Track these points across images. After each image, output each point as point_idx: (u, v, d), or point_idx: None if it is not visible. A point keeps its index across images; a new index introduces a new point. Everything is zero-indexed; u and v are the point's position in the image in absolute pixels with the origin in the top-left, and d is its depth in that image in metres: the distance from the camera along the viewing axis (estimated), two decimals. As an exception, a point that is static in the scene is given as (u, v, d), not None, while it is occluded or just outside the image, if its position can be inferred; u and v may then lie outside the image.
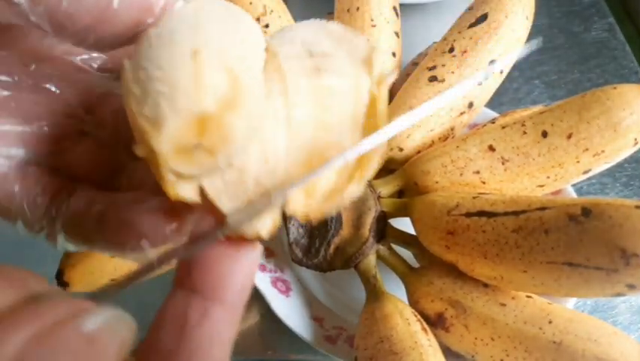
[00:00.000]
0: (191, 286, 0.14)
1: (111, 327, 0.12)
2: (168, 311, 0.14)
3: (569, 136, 0.30)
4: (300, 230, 0.33)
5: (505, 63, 0.33)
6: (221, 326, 0.14)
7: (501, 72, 0.35)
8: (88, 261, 0.29)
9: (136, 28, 0.14)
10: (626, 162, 0.46)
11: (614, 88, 0.30)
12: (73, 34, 0.14)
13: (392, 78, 0.15)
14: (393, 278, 0.33)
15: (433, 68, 0.35)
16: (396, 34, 0.39)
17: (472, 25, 0.35)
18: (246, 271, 0.15)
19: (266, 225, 0.14)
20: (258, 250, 0.15)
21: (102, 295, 0.14)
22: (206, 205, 0.14)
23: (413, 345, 0.28)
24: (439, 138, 0.35)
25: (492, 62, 0.34)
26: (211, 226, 0.15)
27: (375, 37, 0.37)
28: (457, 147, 0.32)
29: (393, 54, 0.38)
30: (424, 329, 0.29)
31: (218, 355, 0.14)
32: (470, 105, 0.35)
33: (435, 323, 0.30)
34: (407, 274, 0.32)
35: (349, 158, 0.15)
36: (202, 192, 0.14)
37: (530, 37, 0.36)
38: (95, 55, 0.18)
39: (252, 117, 0.14)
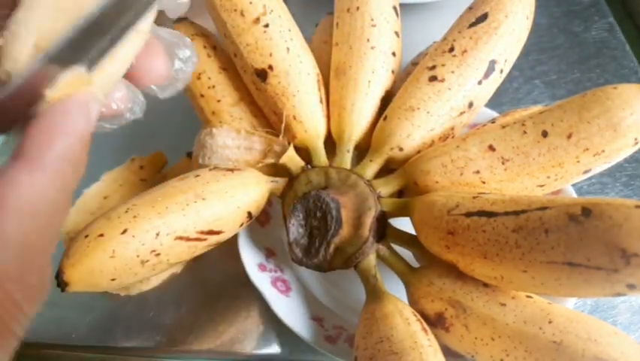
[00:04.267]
0: (18, 156, 0.16)
1: None
2: None
3: (569, 136, 0.30)
4: (300, 230, 0.33)
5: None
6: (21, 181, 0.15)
7: (501, 72, 0.35)
8: (88, 261, 0.29)
9: None
10: (627, 162, 0.46)
11: (615, 88, 0.30)
12: None
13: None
14: (394, 278, 0.33)
15: (433, 67, 0.35)
16: (396, 33, 0.39)
17: (472, 25, 0.35)
18: (68, 134, 0.16)
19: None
20: (73, 107, 0.17)
21: None
22: None
23: (413, 345, 0.28)
24: (439, 138, 0.35)
25: (492, 61, 0.34)
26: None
27: (375, 36, 0.37)
28: (457, 146, 0.32)
29: (393, 54, 0.38)
30: (424, 329, 0.29)
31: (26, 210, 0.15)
32: (470, 105, 0.35)
33: (435, 322, 0.30)
34: (407, 274, 0.32)
35: None
36: None
37: (530, 37, 0.36)
38: None
39: None
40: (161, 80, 0.21)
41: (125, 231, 0.29)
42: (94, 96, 0.18)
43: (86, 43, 0.17)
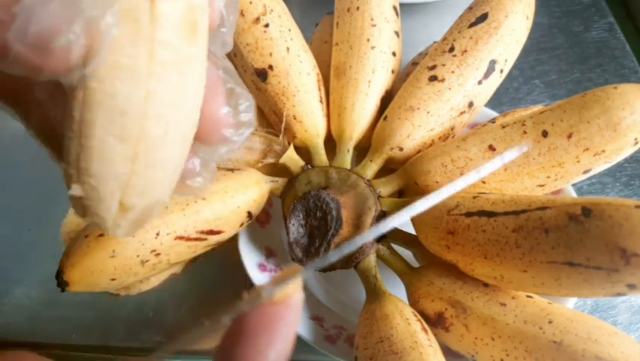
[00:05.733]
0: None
1: None
2: None
3: (570, 136, 0.30)
4: (300, 230, 0.33)
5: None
6: None
7: (501, 72, 0.35)
8: (88, 261, 0.29)
9: None
10: (627, 162, 0.46)
11: (615, 87, 0.30)
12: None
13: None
14: (394, 278, 0.33)
15: (433, 67, 0.35)
16: (397, 33, 0.39)
17: (472, 25, 0.35)
18: (281, 340, 0.15)
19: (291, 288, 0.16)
20: (292, 313, 0.15)
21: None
22: None
23: (413, 345, 0.28)
24: (439, 138, 0.35)
25: (492, 61, 0.34)
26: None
27: (375, 36, 0.37)
28: (458, 146, 0.32)
29: (394, 54, 0.38)
30: (424, 329, 0.29)
31: None
32: (470, 105, 0.35)
33: (435, 322, 0.30)
34: (407, 274, 0.32)
35: None
36: None
37: (530, 37, 0.36)
38: None
39: None
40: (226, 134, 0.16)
41: (125, 231, 0.29)
42: (302, 297, 0.16)
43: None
